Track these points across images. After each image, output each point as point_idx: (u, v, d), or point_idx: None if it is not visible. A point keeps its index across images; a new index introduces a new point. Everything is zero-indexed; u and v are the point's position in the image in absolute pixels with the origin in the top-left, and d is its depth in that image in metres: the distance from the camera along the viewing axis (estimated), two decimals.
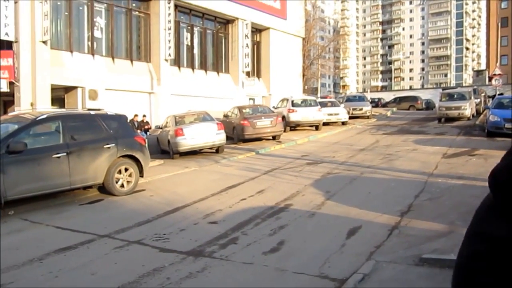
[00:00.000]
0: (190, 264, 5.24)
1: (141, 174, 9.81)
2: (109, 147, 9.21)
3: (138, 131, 15.29)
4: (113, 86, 19.44)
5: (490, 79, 33.04)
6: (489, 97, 26.41)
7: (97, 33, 19.96)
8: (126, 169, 9.46)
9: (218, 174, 11.64)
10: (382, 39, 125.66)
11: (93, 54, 19.42)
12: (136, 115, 17.83)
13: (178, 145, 14.13)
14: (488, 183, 0.89)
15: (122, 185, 9.39)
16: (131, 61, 21.13)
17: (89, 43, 19.65)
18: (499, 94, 23.97)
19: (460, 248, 0.90)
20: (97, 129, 9.30)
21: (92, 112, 9.86)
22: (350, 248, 5.65)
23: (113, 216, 7.93)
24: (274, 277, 4.84)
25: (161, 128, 16.30)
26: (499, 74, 26.30)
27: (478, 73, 59.32)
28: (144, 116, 18.86)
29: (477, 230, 0.88)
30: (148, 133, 17.74)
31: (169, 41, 21.70)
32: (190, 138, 14.23)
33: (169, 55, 21.76)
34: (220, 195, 9.10)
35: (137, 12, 21.93)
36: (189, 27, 24.98)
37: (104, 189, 9.40)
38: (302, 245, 5.87)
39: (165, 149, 15.40)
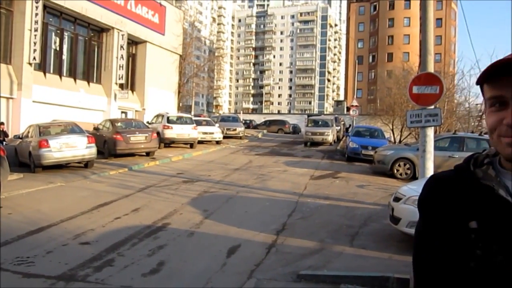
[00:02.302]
0: None
1: None
2: None
3: None
4: None
5: (348, 109, 36.73)
6: (349, 125, 29.37)
7: None
8: None
9: (88, 191, 10.85)
10: (254, 64, 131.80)
11: None
12: None
13: (41, 158, 12.84)
14: None
15: None
16: None
17: None
18: (348, 125, 26.75)
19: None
20: None
21: None
22: (231, 267, 5.71)
23: None
24: None
25: (21, 138, 14.64)
26: (356, 106, 29.39)
27: (338, 103, 65.59)
28: (1, 124, 16.79)
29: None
30: (4, 143, 15.80)
31: (35, 43, 19.84)
32: (56, 151, 13.06)
33: (34, 58, 19.87)
34: (91, 213, 8.49)
35: None
36: (58, 31, 23.17)
37: None
38: (183, 265, 5.77)
39: (25, 162, 13.86)
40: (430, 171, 8.26)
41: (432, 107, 8.41)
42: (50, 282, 4.96)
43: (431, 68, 8.62)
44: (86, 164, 14.14)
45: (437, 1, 56.18)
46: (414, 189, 6.68)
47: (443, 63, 43.95)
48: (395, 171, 13.69)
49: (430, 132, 8.50)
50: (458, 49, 63.28)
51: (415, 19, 54.84)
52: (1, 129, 16.59)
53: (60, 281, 5.00)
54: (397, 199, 6.77)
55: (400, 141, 26.11)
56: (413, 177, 12.79)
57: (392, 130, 29.01)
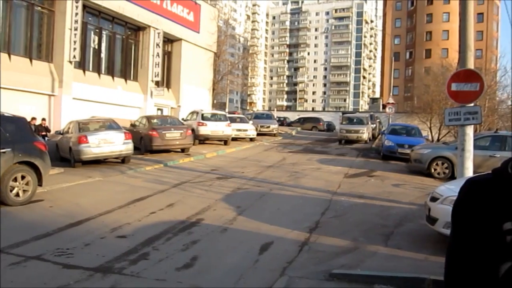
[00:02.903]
0: (99, 281, 4.91)
1: (39, 182, 9.02)
2: (4, 152, 8.35)
3: None
4: (8, 85, 17.76)
5: (384, 106, 36.04)
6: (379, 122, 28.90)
7: None
8: (22, 177, 8.64)
9: (124, 186, 11.13)
10: (288, 61, 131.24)
11: None
12: (33, 118, 16.44)
13: (81, 153, 13.27)
14: None
15: (18, 194, 8.55)
16: (31, 59, 19.51)
17: None
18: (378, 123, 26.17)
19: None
20: None
21: None
22: (263, 263, 5.72)
23: (7, 228, 7.14)
24: None
25: (62, 133, 15.18)
26: (392, 103, 28.82)
27: (373, 100, 64.47)
28: (43, 120, 17.46)
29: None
30: (46, 138, 16.42)
31: (75, 42, 20.46)
32: (95, 146, 13.46)
33: (74, 57, 20.50)
34: (128, 207, 8.71)
35: (40, 8, 20.42)
36: (97, 30, 23.83)
37: None
38: (216, 260, 5.82)
39: (65, 157, 14.37)
40: (469, 171, 8.01)
41: (472, 104, 8.14)
42: (88, 273, 5.12)
43: (471, 65, 8.34)
44: (123, 160, 14.50)
45: None
46: (452, 189, 6.48)
47: (484, 59, 42.44)
48: (433, 170, 13.34)
49: (470, 130, 8.23)
50: (501, 45, 61.13)
51: (454, 15, 53.12)
52: (43, 125, 17.25)
53: (98, 272, 5.16)
54: (434, 199, 6.59)
55: (438, 140, 25.41)
56: (451, 177, 12.42)
57: (430, 128, 28.29)
